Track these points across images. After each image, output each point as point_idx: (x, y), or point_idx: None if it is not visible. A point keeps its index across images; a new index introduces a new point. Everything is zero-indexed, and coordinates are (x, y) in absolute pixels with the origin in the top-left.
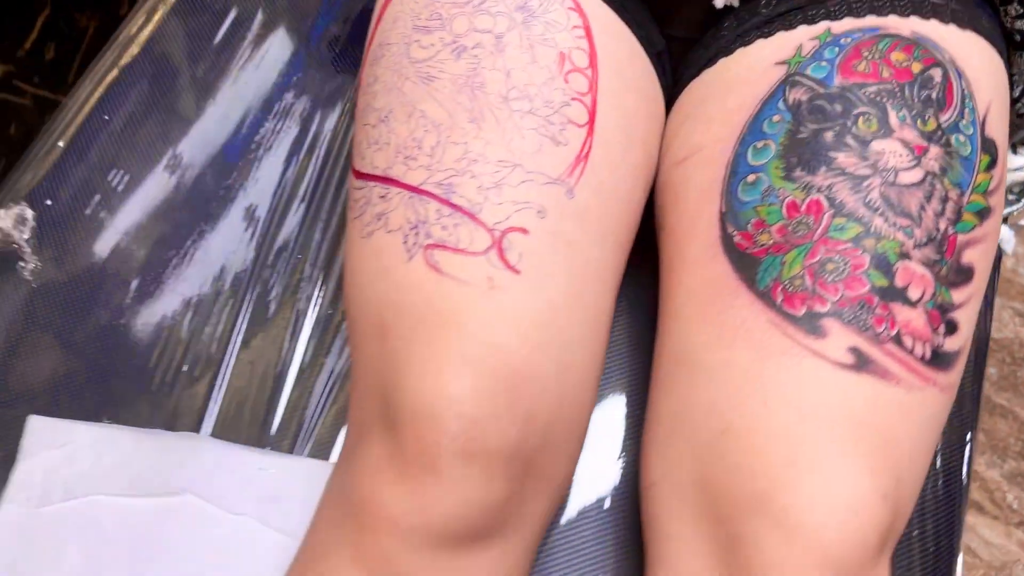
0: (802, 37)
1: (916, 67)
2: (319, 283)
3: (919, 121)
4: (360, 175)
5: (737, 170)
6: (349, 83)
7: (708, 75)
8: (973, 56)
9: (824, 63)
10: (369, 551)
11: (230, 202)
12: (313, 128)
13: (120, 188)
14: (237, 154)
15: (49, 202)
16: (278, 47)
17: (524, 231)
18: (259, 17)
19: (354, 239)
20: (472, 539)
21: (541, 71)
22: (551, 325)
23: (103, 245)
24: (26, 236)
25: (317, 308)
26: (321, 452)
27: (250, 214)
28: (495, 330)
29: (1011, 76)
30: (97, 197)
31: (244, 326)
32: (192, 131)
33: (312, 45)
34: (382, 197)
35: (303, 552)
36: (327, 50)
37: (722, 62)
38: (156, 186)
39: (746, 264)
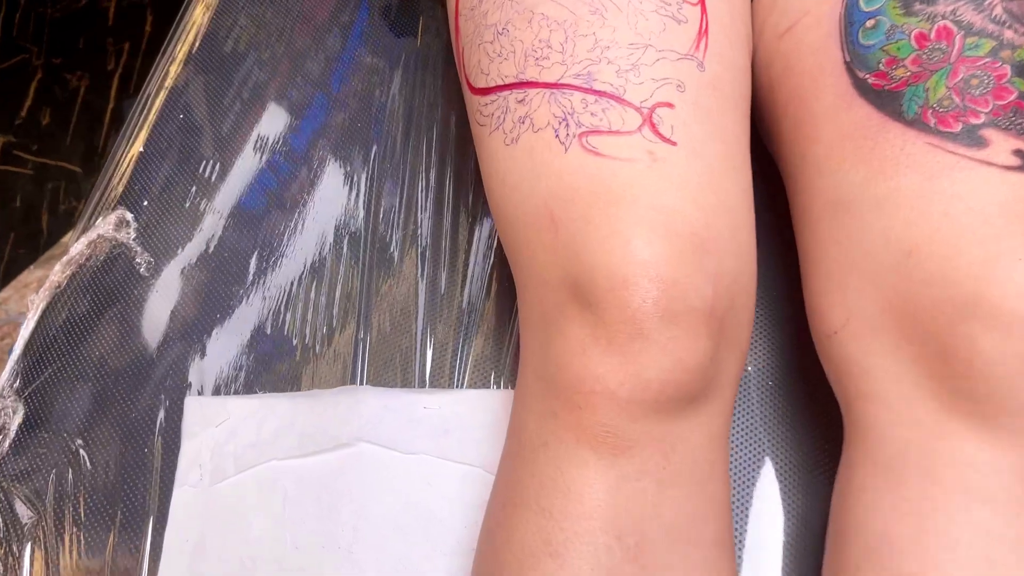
0: None
1: None
2: (434, 227)
3: None
4: (486, 90)
5: (853, 19)
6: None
7: None
8: None
9: None
10: (591, 429)
11: (326, 171)
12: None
13: (213, 178)
14: (317, 129)
15: (146, 202)
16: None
17: (670, 105)
18: None
19: (495, 151)
20: (685, 403)
21: None
22: (716, 189)
23: (210, 231)
24: (132, 236)
25: (441, 246)
26: (480, 381)
27: (350, 178)
28: (669, 197)
29: None
30: (193, 189)
31: (371, 278)
32: (271, 112)
33: (365, 18)
34: (520, 101)
35: (515, 457)
36: (381, 18)
37: None
38: (248, 166)
39: (888, 99)
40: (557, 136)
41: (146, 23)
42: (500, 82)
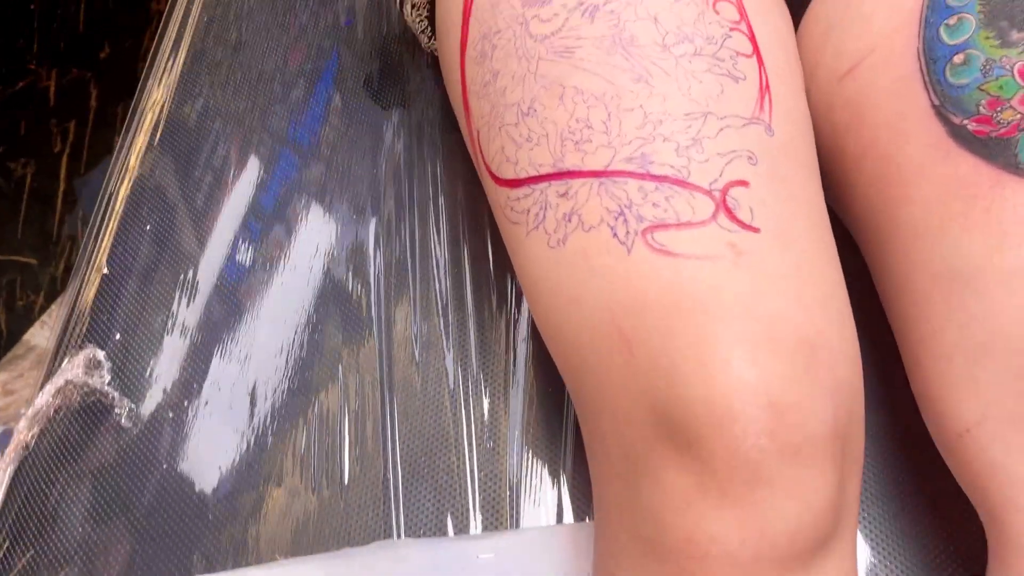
0: None
1: None
2: (459, 327)
3: None
4: (516, 182)
5: (935, 55)
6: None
7: None
8: None
9: None
10: None
11: (329, 280)
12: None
13: (192, 296)
14: (313, 239)
15: (118, 336)
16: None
17: (744, 183)
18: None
19: (537, 255)
20: (816, 548)
21: (688, 8)
22: (814, 278)
23: (196, 363)
24: (106, 379)
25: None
26: (540, 513)
27: (353, 282)
28: (766, 298)
29: None
30: (171, 311)
31: (392, 400)
32: (254, 211)
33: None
34: (563, 195)
35: None
36: (364, 89)
37: None
38: (229, 277)
39: (997, 149)
40: (615, 235)
41: (91, 98)
42: (534, 172)
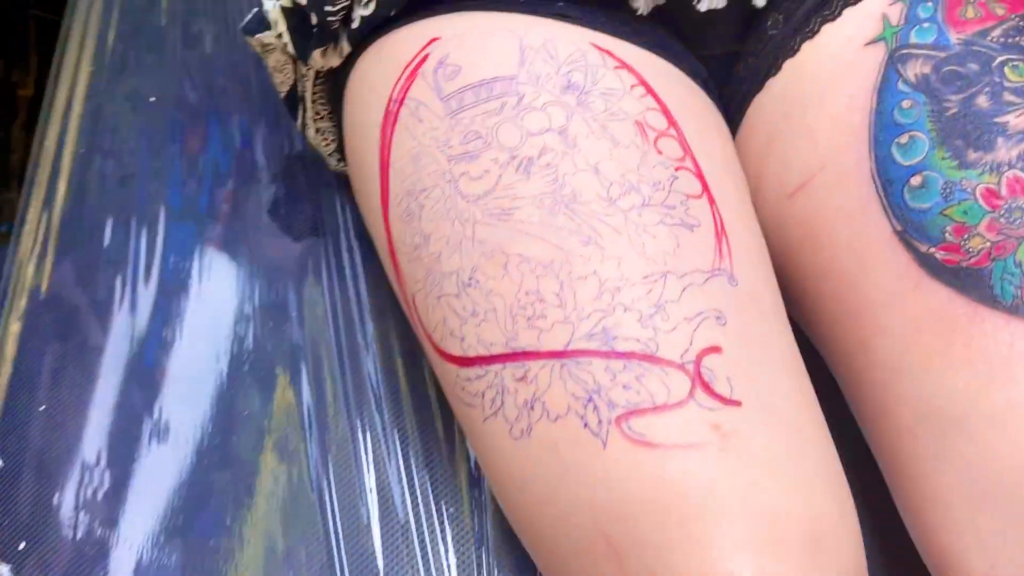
0: (879, 6)
1: None
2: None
3: None
4: (466, 361)
5: (891, 176)
6: None
7: (777, 84)
8: None
9: (926, 24)
10: None
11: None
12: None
13: (104, 490)
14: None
15: (22, 545)
16: None
17: (717, 349)
18: None
19: (499, 446)
20: None
21: (630, 152)
22: (805, 451)
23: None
24: None
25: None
26: None
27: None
28: (762, 490)
29: None
30: (83, 509)
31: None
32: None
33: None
34: (520, 379)
35: None
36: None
37: (789, 65)
38: (152, 466)
39: (971, 280)
40: (587, 425)
41: None
42: (484, 351)
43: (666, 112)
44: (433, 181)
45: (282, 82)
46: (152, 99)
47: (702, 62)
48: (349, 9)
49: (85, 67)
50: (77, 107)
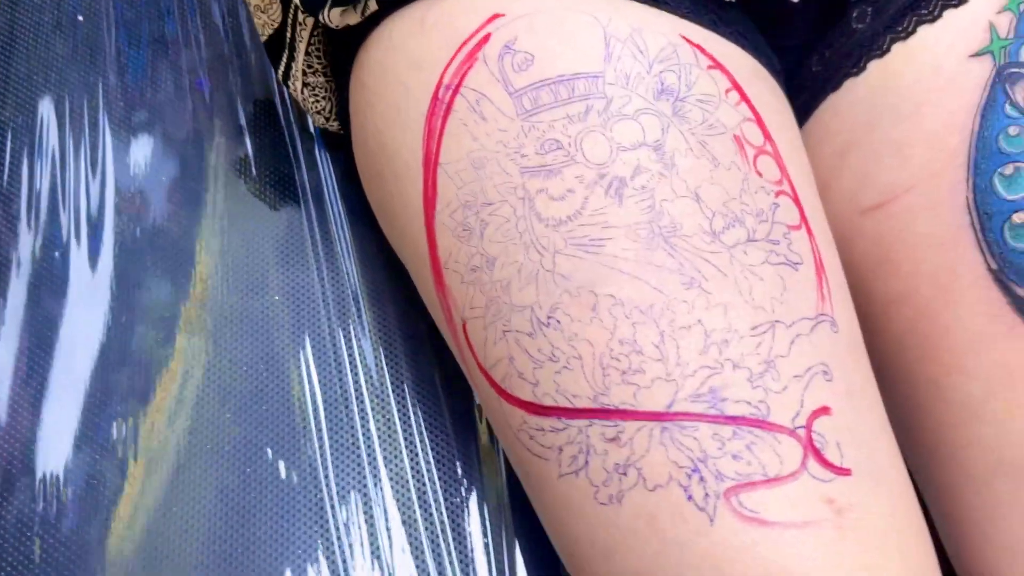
0: (985, 12)
1: None
2: None
3: None
4: (545, 411)
5: (991, 210)
6: None
7: (860, 87)
8: None
9: None
10: None
11: None
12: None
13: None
14: None
15: None
16: None
17: (827, 410)
18: None
19: (578, 508)
20: None
21: (731, 175)
22: (913, 522)
23: None
24: None
25: None
26: None
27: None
28: (878, 571)
29: None
30: None
31: None
32: None
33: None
34: (612, 440)
35: None
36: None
37: (876, 67)
38: None
39: None
40: (691, 498)
41: None
42: (565, 403)
43: (761, 124)
44: (501, 196)
45: (265, 23)
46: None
47: (776, 52)
48: None
49: None
50: None
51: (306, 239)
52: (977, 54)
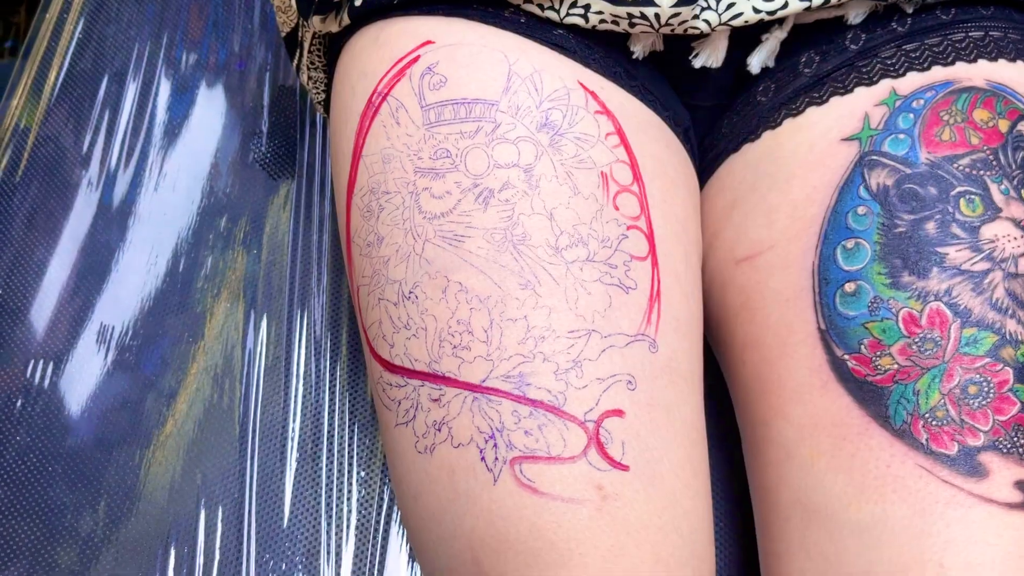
0: (864, 103)
1: (1003, 125)
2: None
3: (1023, 191)
4: (394, 368)
5: (828, 276)
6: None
7: (752, 152)
8: None
9: (902, 135)
10: None
11: None
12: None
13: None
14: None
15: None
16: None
17: (620, 413)
18: None
19: (403, 452)
20: None
21: (587, 203)
22: (676, 521)
23: None
24: None
25: None
26: None
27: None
28: (624, 554)
29: None
30: None
31: None
32: None
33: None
34: (435, 400)
35: None
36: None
37: (768, 136)
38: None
39: (870, 396)
40: (483, 459)
41: None
42: (408, 365)
43: (634, 167)
44: (396, 187)
45: (284, 22)
46: None
47: (690, 109)
48: None
49: None
50: None
51: (290, 210)
52: (848, 138)
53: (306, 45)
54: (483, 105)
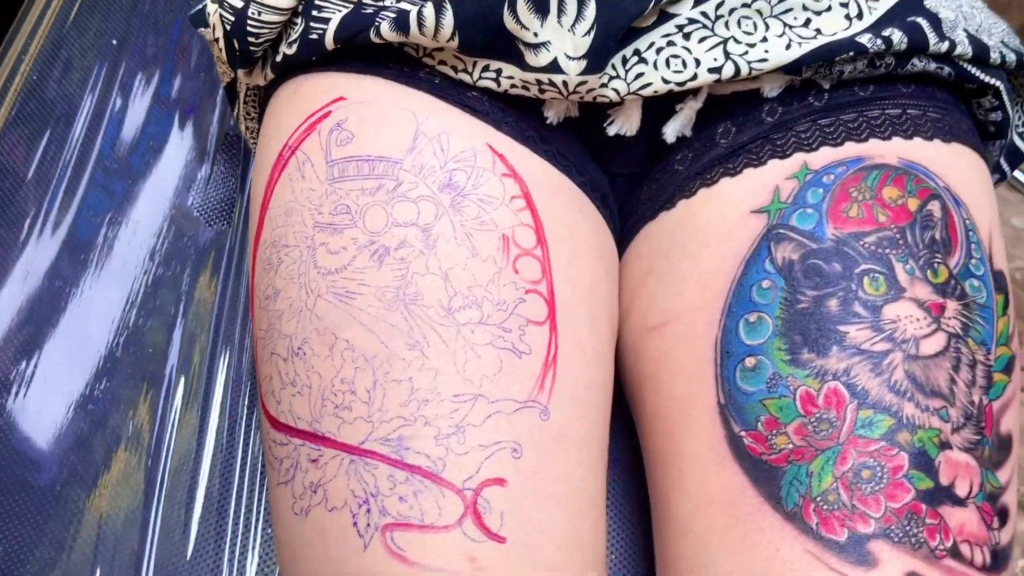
0: (776, 176)
1: (912, 204)
2: None
3: (929, 272)
4: (279, 425)
5: (730, 350)
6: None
7: (667, 220)
8: (964, 173)
9: (810, 210)
10: None
11: None
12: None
13: None
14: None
15: None
16: None
17: (501, 482)
18: None
19: (281, 512)
20: None
21: (485, 265)
22: None
23: None
24: None
25: None
26: None
27: None
28: None
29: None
30: None
31: None
32: None
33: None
34: (313, 461)
35: None
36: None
37: (683, 205)
38: None
39: (765, 475)
40: (355, 524)
41: None
42: (291, 423)
43: (539, 230)
44: (296, 241)
45: (223, 72)
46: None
47: (609, 176)
48: (276, 41)
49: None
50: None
51: (224, 255)
52: (757, 211)
53: (241, 95)
54: (387, 163)
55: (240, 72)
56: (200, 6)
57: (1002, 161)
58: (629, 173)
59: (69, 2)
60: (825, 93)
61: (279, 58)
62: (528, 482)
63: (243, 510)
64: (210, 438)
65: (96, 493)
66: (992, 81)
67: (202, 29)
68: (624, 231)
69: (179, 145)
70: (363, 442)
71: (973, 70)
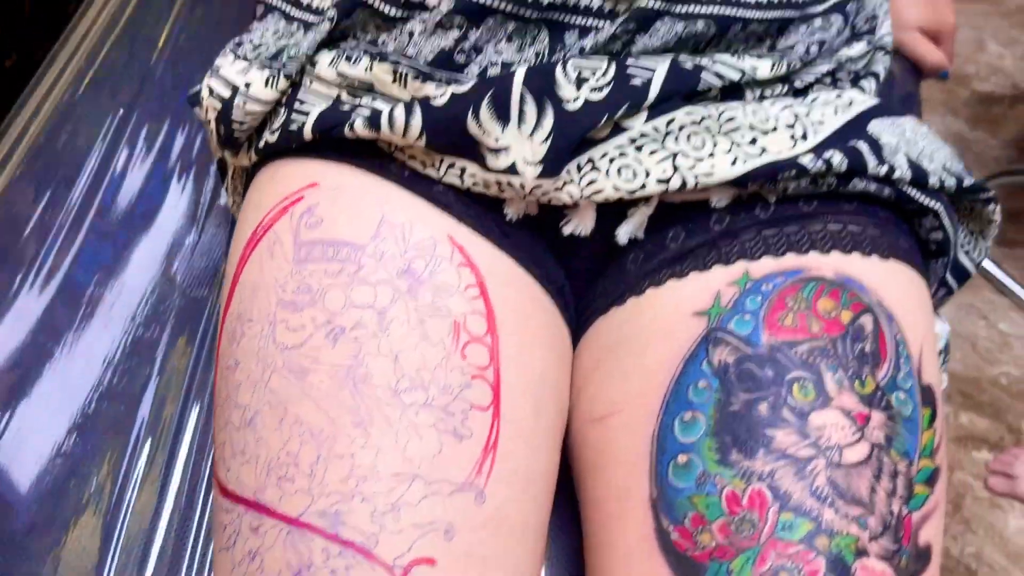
0: (719, 281)
1: (846, 316)
2: None
3: (856, 383)
4: (226, 492)
5: (665, 446)
6: None
7: (617, 315)
8: (899, 290)
9: (747, 316)
10: None
11: None
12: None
13: None
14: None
15: None
16: None
17: (431, 561)
18: None
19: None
20: None
21: (434, 350)
22: None
23: None
24: None
25: None
26: None
27: None
28: None
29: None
30: None
31: None
32: None
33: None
34: (254, 530)
35: None
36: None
37: (632, 302)
38: None
39: (688, 571)
40: None
41: None
42: (237, 491)
43: (491, 319)
44: (259, 316)
45: (215, 149)
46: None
47: (567, 271)
48: (260, 127)
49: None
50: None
51: (201, 322)
52: (699, 313)
53: (229, 172)
54: (350, 248)
55: (226, 153)
56: (197, 88)
57: (948, 276)
58: (585, 269)
59: (83, 70)
60: (771, 206)
61: (262, 144)
62: (457, 563)
63: (194, 571)
64: (170, 498)
65: (57, 546)
66: (931, 204)
67: (196, 109)
68: (579, 324)
69: (172, 211)
70: (302, 514)
71: (913, 192)
